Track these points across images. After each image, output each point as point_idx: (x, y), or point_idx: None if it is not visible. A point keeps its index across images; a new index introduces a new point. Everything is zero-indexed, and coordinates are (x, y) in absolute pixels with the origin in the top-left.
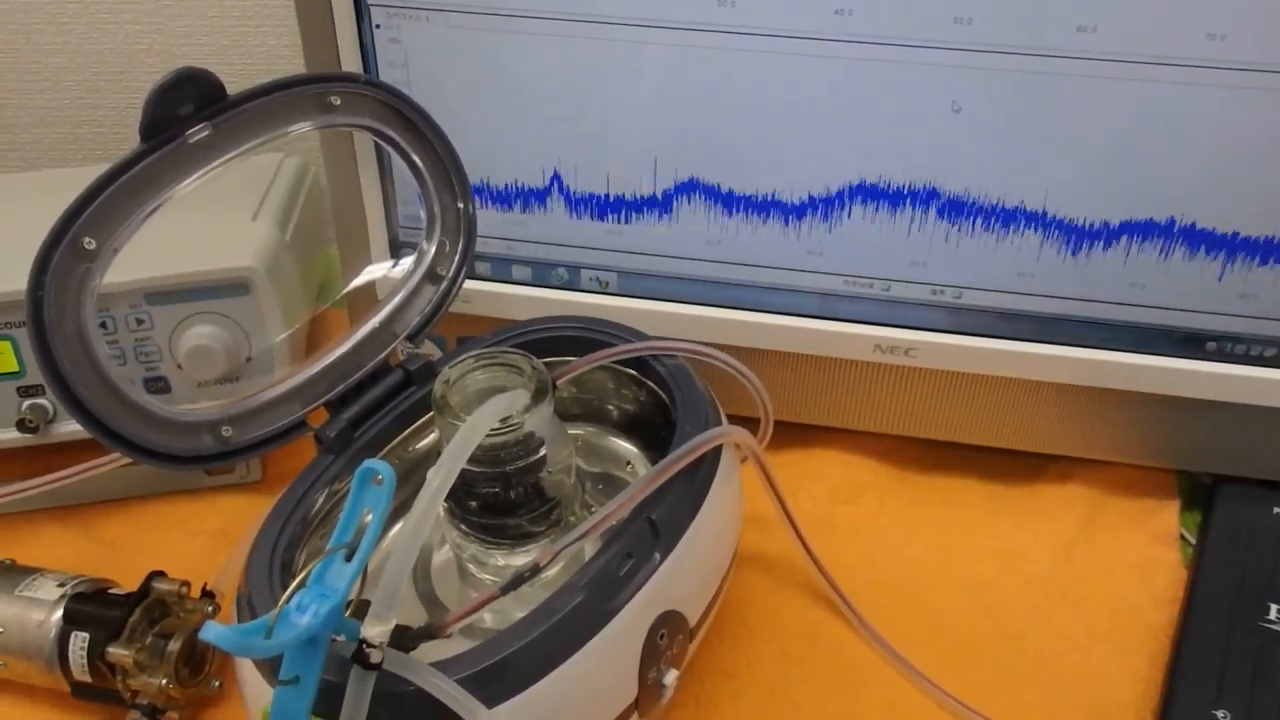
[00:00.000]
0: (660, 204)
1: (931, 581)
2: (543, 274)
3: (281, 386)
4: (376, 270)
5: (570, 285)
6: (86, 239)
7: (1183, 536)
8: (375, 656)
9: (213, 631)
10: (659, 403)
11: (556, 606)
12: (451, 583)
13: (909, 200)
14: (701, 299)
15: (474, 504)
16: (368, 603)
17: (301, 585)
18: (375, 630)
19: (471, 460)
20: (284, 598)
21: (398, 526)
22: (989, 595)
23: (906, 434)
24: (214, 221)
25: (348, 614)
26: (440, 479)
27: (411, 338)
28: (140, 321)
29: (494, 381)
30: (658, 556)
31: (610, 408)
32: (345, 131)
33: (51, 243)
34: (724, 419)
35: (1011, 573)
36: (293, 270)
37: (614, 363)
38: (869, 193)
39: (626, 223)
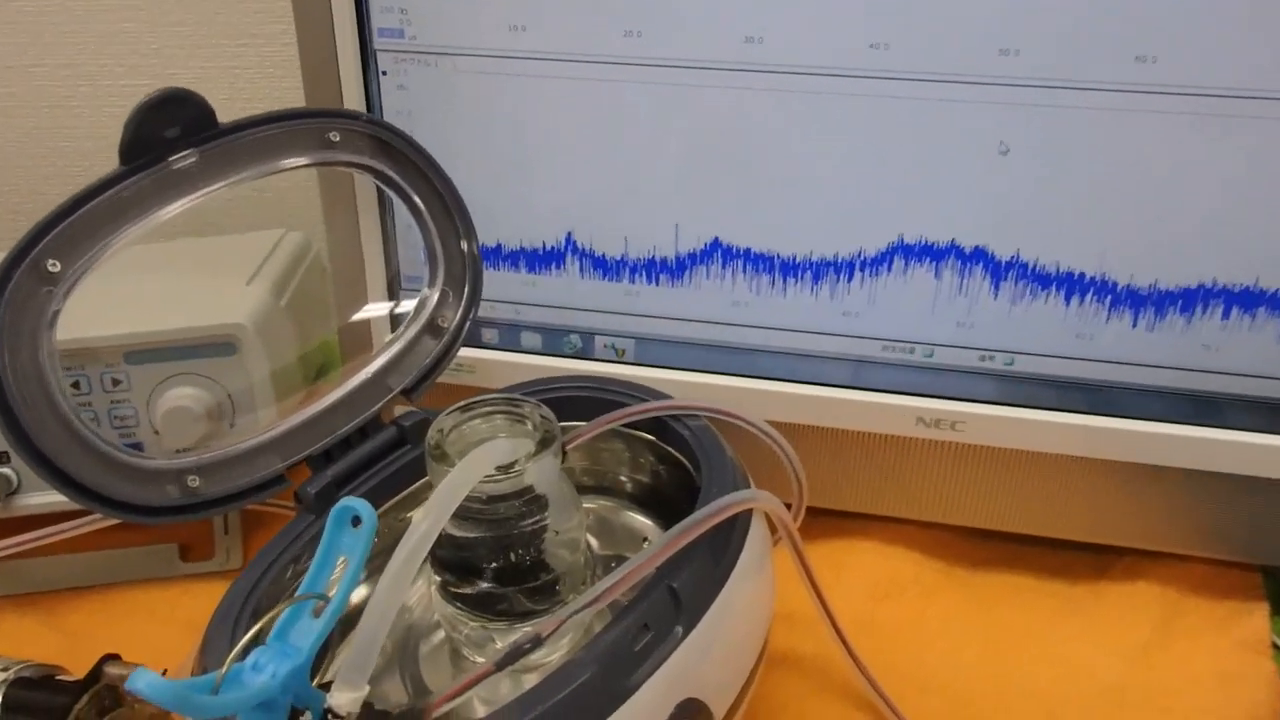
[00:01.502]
0: (681, 265)
1: (987, 690)
2: (554, 341)
3: (259, 436)
4: (374, 310)
5: (583, 354)
6: (51, 261)
7: (1275, 645)
8: None
9: (143, 680)
10: (679, 473)
11: (561, 683)
12: (443, 670)
13: (953, 256)
14: (725, 368)
15: (467, 573)
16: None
17: (260, 641)
18: (344, 699)
19: (467, 519)
20: (234, 651)
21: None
22: (1053, 707)
23: (953, 523)
24: (204, 282)
25: (316, 683)
26: (428, 524)
27: (408, 393)
28: (117, 382)
29: (495, 431)
30: (679, 630)
31: (624, 479)
32: (344, 172)
33: (12, 261)
34: (753, 486)
35: (1077, 682)
36: (287, 340)
37: (630, 427)
38: (909, 249)
39: (645, 284)
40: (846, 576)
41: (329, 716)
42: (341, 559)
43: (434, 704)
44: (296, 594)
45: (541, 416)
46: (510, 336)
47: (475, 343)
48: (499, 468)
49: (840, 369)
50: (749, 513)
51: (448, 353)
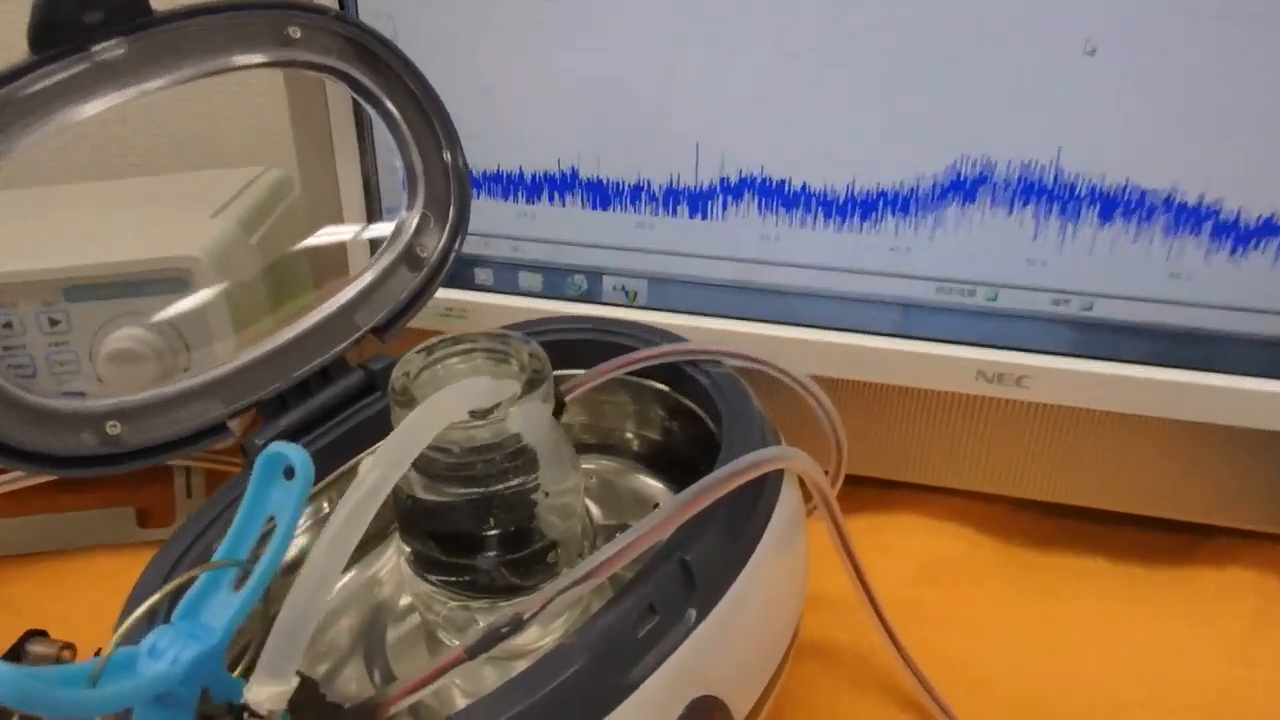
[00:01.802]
0: (702, 193)
1: (1050, 691)
2: (556, 282)
3: (197, 378)
4: (345, 233)
5: (590, 297)
6: None
7: None
8: None
9: None
10: (696, 429)
11: (545, 676)
12: (417, 656)
13: (1024, 180)
14: (752, 312)
15: (442, 543)
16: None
17: (159, 618)
18: (264, 694)
19: (440, 478)
20: (119, 632)
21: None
22: (1128, 712)
23: (1014, 495)
24: (161, 214)
25: (237, 672)
26: (377, 475)
27: (379, 332)
28: (55, 323)
29: (476, 373)
30: (692, 614)
31: (632, 437)
32: (312, 77)
33: None
34: (784, 444)
35: (1157, 683)
36: (254, 280)
37: (639, 375)
38: (971, 172)
39: (660, 215)
40: (890, 555)
41: (246, 715)
42: (269, 518)
43: (392, 697)
44: (212, 561)
45: (530, 354)
46: (507, 277)
47: (467, 283)
48: (475, 412)
49: (887, 314)
50: (779, 476)
51: (427, 287)
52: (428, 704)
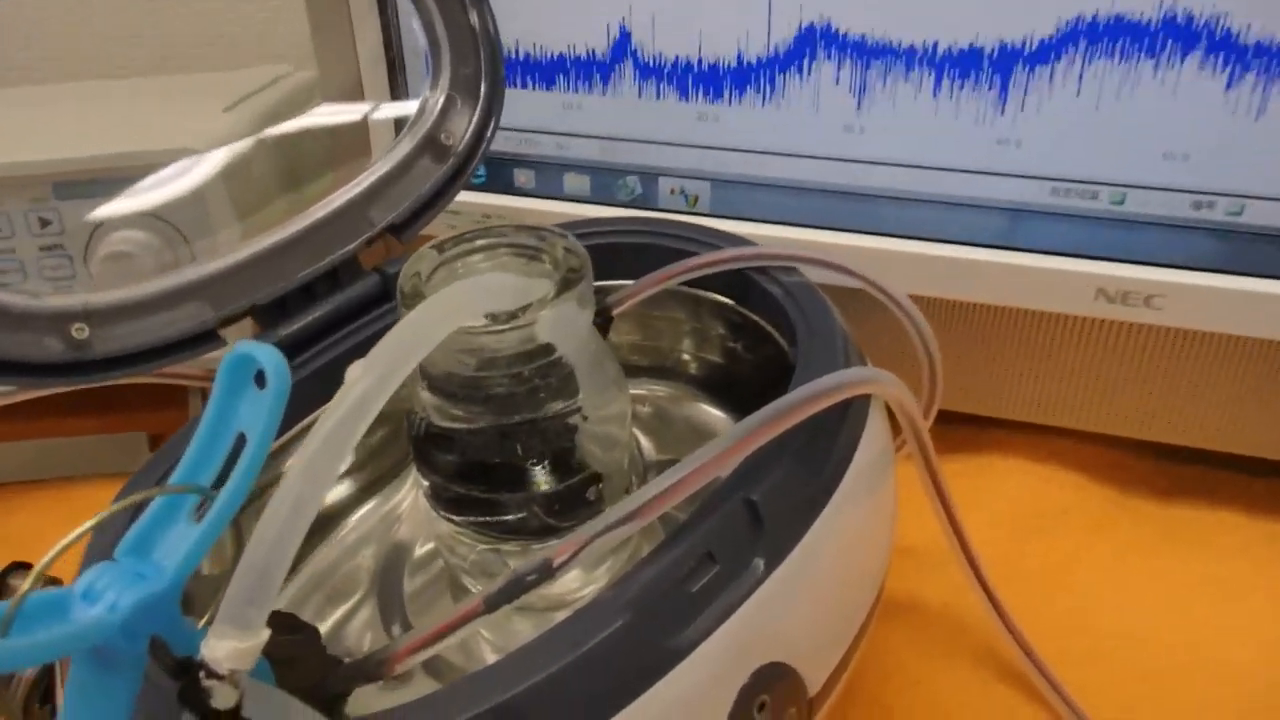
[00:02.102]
0: (774, 68)
1: (1171, 664)
2: (606, 185)
3: (182, 275)
4: (357, 112)
5: (644, 201)
6: None
7: None
8: (220, 695)
9: None
10: (766, 349)
11: (579, 635)
12: (440, 606)
13: (1166, 42)
14: (830, 220)
15: (465, 476)
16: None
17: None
18: (223, 649)
19: (460, 397)
20: (37, 568)
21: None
22: (1264, 689)
23: (1132, 436)
24: (169, 108)
25: (203, 622)
26: (369, 383)
27: (396, 231)
28: (46, 223)
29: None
30: (759, 564)
31: (689, 358)
32: None
33: None
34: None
35: None
36: (267, 182)
37: (699, 286)
38: (1097, 33)
39: (725, 104)
40: (984, 502)
41: (200, 674)
42: (237, 433)
43: (399, 651)
44: (167, 485)
45: (566, 249)
46: (550, 179)
47: (506, 187)
48: (495, 315)
49: (991, 222)
50: (864, 403)
51: (454, 180)
52: (450, 659)
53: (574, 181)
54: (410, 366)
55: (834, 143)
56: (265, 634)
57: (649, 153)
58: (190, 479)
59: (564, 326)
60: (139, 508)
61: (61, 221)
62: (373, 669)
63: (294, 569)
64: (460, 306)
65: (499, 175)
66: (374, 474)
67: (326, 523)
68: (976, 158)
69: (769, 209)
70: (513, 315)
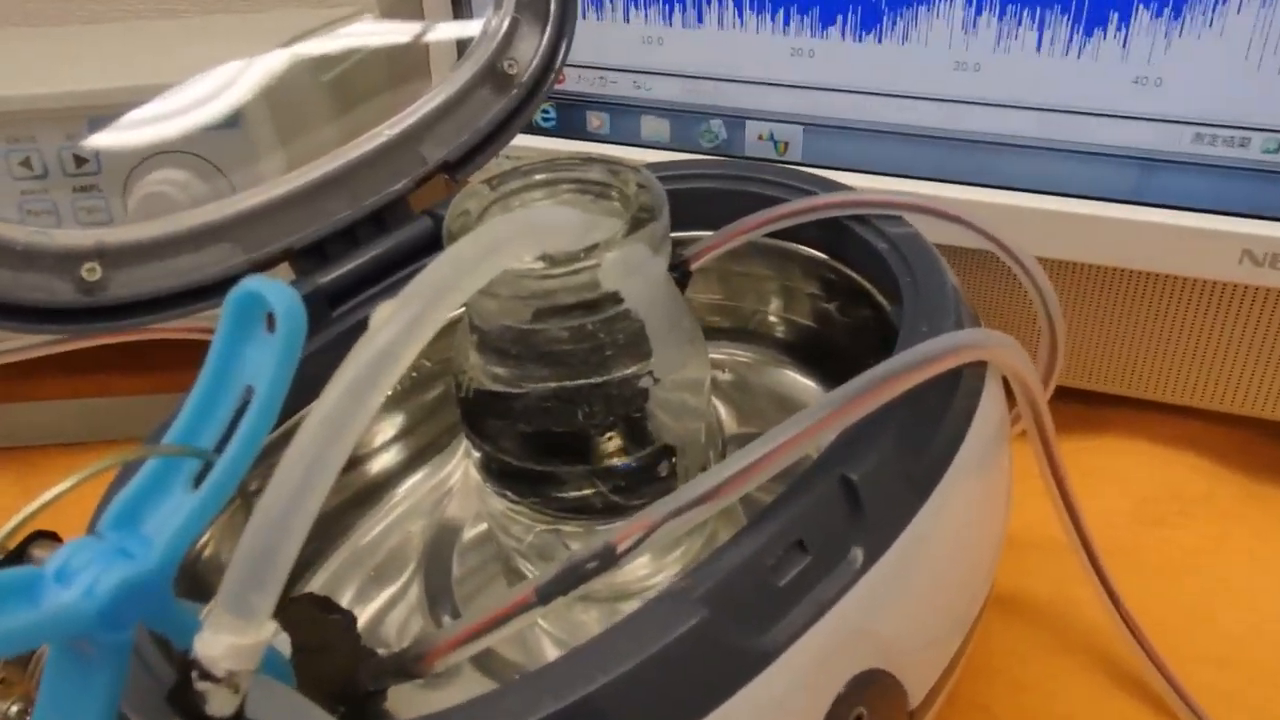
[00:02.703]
0: None
1: None
2: (687, 130)
3: (209, 212)
4: (415, 32)
5: (728, 148)
6: None
7: None
8: (216, 701)
9: None
10: (864, 310)
11: (647, 634)
12: (493, 595)
13: None
14: (939, 170)
15: (519, 443)
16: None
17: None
18: (219, 645)
19: (510, 354)
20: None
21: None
22: None
23: (1270, 417)
24: (221, 42)
25: (205, 613)
26: (398, 328)
27: (450, 170)
28: (82, 161)
29: None
30: (858, 556)
31: (776, 320)
32: None
33: None
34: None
35: None
36: (317, 114)
37: (789, 238)
38: None
39: (822, 36)
40: (1098, 488)
41: (194, 673)
42: (246, 389)
43: (439, 647)
44: (159, 445)
45: (640, 185)
46: (627, 123)
47: (578, 131)
48: (553, 258)
49: (1122, 173)
50: (980, 371)
51: (517, 113)
52: (503, 653)
53: (652, 126)
54: (450, 309)
55: (944, 81)
56: (270, 627)
57: (736, 93)
58: (188, 439)
59: (633, 273)
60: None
61: (99, 161)
62: (409, 665)
63: (333, 544)
64: (511, 241)
65: (570, 118)
66: (425, 439)
67: (371, 492)
68: (1108, 98)
69: (868, 158)
70: (573, 257)
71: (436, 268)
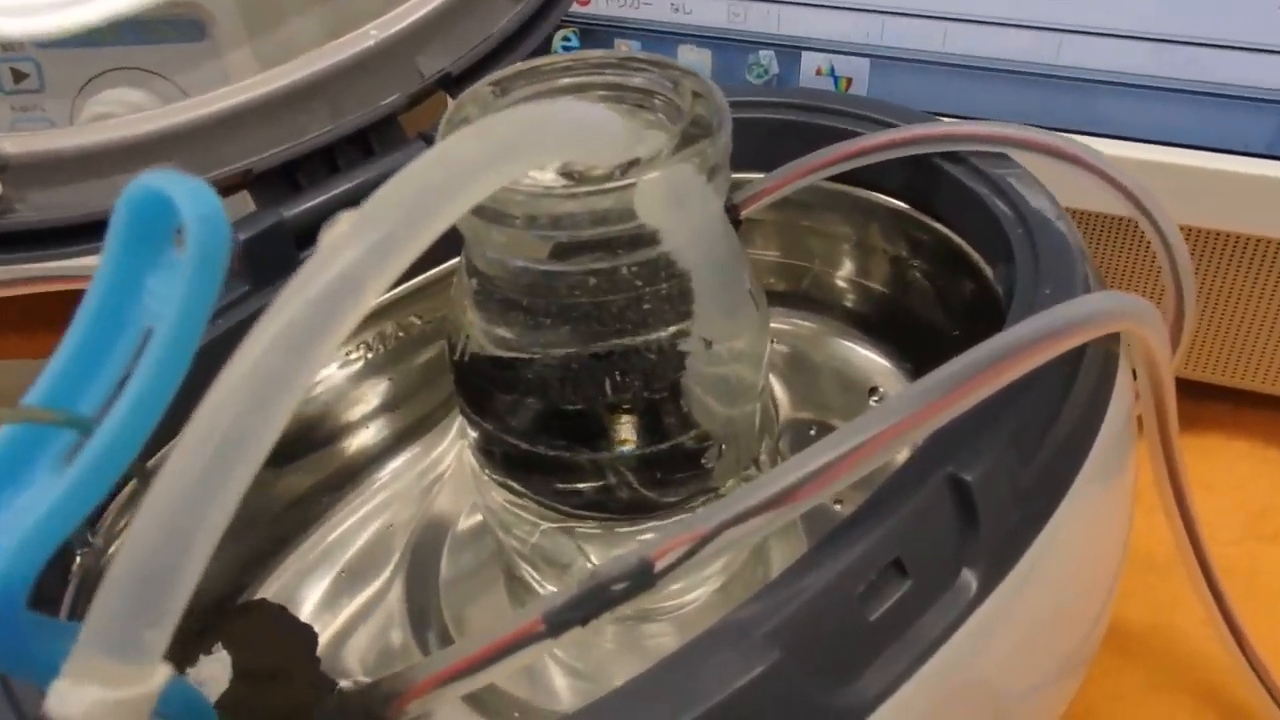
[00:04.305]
0: None
1: None
2: (732, 63)
3: (148, 122)
4: None
5: (779, 85)
6: None
7: None
8: None
9: None
10: (955, 274)
11: (703, 683)
12: (489, 608)
13: None
14: (1032, 115)
15: (527, 420)
16: None
17: None
18: (79, 700)
19: (524, 305)
20: None
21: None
22: None
23: None
24: None
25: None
26: (368, 244)
27: (449, 85)
28: (22, 76)
29: None
30: (971, 582)
31: (845, 285)
32: None
33: None
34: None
35: None
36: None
37: (865, 184)
38: None
39: None
40: (1208, 496)
41: None
42: (146, 328)
43: (416, 687)
44: (19, 407)
45: (695, 93)
46: (661, 54)
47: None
48: (577, 174)
49: (1258, 121)
50: (1111, 351)
51: (533, 23)
52: (501, 688)
53: (691, 57)
54: (434, 229)
55: (1041, 5)
56: (162, 674)
57: (791, 17)
58: (60, 401)
59: (679, 203)
60: None
61: (42, 76)
62: (377, 708)
63: (297, 536)
64: (527, 140)
65: (595, 47)
66: (415, 414)
67: (347, 476)
68: (1248, 27)
69: (945, 98)
70: (606, 178)
71: (422, 168)
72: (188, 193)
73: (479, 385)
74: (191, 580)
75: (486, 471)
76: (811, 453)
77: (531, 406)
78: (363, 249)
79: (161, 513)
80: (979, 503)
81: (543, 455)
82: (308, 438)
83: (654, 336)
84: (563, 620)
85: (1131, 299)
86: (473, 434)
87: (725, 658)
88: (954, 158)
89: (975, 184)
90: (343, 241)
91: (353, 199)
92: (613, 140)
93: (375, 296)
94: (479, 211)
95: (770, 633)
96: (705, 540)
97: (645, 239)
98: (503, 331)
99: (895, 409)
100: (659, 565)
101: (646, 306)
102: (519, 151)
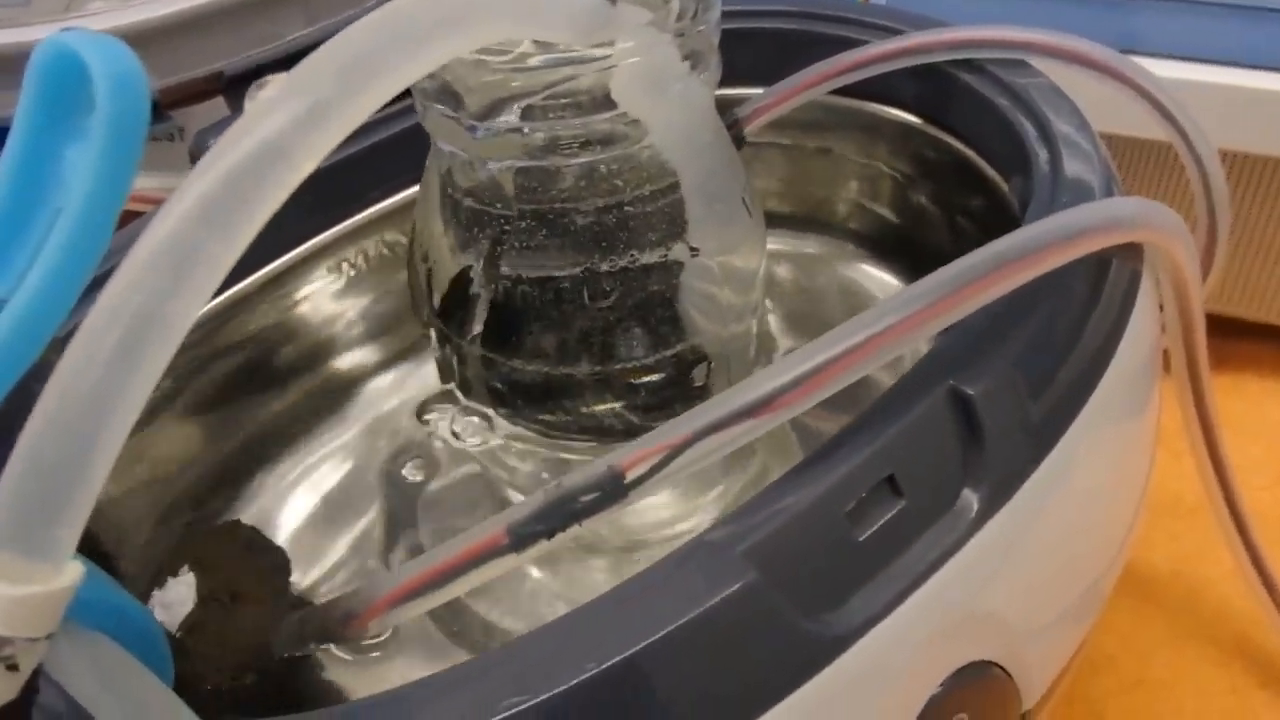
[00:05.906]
0: None
1: None
2: None
3: (110, 20)
4: None
5: None
6: None
7: None
8: None
9: None
10: (971, 193)
11: (672, 601)
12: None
13: None
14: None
15: (504, 338)
16: None
17: None
18: None
19: (477, 199)
20: None
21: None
22: None
23: None
24: None
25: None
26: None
27: None
28: None
29: None
30: (972, 503)
31: (851, 207)
32: None
33: None
34: None
35: None
36: None
37: (874, 98)
38: None
39: None
40: (1239, 437)
41: None
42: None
43: (377, 603)
44: None
45: None
46: None
47: None
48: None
49: None
50: (1134, 266)
51: None
52: (479, 610)
53: None
54: (372, 97)
55: None
56: (75, 571)
57: None
58: None
59: (660, 90)
60: None
61: None
62: (334, 625)
63: (275, 459)
64: (472, 9)
65: None
66: (401, 335)
67: (332, 396)
68: None
69: (966, 11)
70: (589, 62)
71: (361, 31)
72: (98, 50)
73: (454, 304)
74: (101, 472)
75: (466, 397)
76: (794, 359)
77: (510, 326)
78: (289, 115)
79: (64, 399)
80: (983, 418)
81: (529, 375)
82: (288, 355)
83: (644, 254)
84: (528, 533)
85: (1157, 206)
86: (451, 357)
87: (696, 576)
88: (970, 66)
89: (992, 93)
90: (267, 106)
91: None
92: (588, 14)
93: (309, 166)
94: (447, 100)
95: (747, 551)
96: (679, 450)
97: (621, 130)
98: (476, 240)
99: (887, 312)
100: (630, 475)
101: (631, 218)
102: (470, 19)
